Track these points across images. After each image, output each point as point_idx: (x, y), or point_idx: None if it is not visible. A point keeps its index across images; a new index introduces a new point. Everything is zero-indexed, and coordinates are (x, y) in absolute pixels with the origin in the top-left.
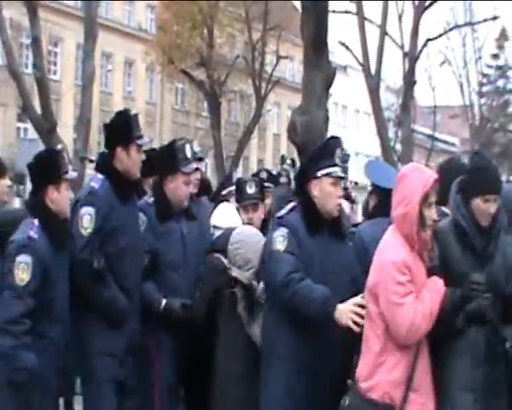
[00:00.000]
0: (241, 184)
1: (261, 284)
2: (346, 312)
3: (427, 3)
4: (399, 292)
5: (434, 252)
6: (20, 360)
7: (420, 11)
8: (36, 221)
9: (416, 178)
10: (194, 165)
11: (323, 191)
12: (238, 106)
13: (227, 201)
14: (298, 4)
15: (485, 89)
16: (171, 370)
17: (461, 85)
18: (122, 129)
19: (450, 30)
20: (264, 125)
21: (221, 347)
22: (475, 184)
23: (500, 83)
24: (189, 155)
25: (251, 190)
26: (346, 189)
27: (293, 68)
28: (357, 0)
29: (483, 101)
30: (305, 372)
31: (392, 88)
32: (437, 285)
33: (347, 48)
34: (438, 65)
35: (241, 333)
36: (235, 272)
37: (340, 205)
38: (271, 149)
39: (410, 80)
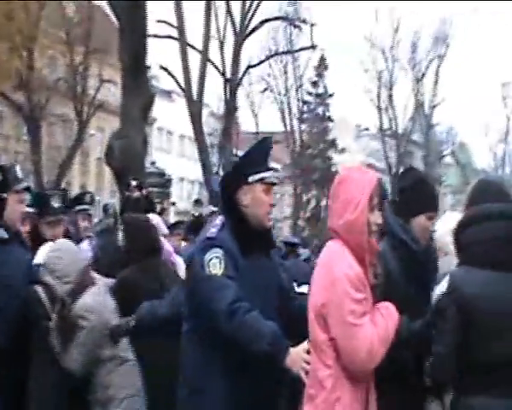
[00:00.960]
0: (45, 197)
1: (80, 302)
2: (298, 360)
3: (248, 31)
4: (356, 311)
5: (378, 268)
6: None
7: (241, 38)
8: None
9: (359, 180)
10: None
11: (255, 199)
12: (60, 130)
13: None
14: None
15: (305, 115)
16: None
17: (282, 112)
18: None
19: (271, 57)
20: (87, 149)
21: (34, 378)
22: (418, 202)
23: (320, 110)
24: (19, 174)
25: (56, 204)
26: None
27: (117, 93)
28: (179, 27)
29: (304, 127)
30: None
31: (216, 113)
32: (390, 311)
33: (169, 73)
34: (259, 92)
35: (54, 364)
36: (52, 281)
37: (270, 215)
38: (94, 173)
39: (231, 106)
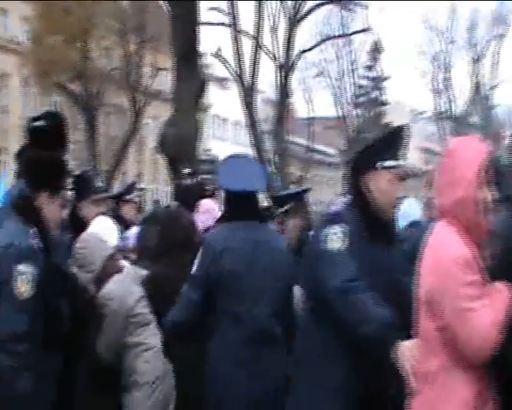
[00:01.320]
0: (87, 177)
1: (103, 290)
2: (407, 353)
3: (300, 16)
4: (470, 294)
5: (491, 248)
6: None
7: (293, 23)
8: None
9: (468, 153)
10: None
11: (380, 187)
12: (115, 120)
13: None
14: None
15: (359, 100)
16: None
17: (336, 97)
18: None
19: (324, 41)
20: (143, 138)
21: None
22: None
23: (374, 94)
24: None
25: (99, 183)
26: None
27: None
28: (231, 13)
29: (358, 112)
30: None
31: (269, 100)
32: (503, 295)
33: (221, 59)
34: (313, 77)
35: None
36: (75, 270)
37: (394, 207)
38: (149, 162)
39: (284, 92)
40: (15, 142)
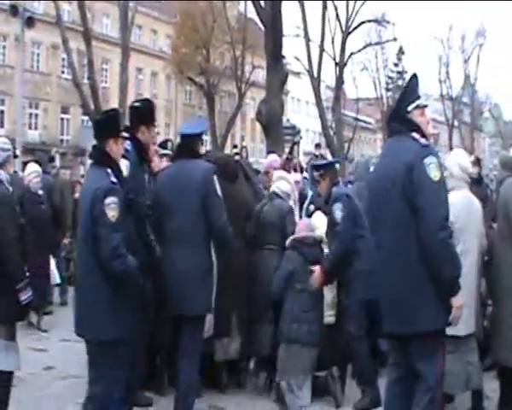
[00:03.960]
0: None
1: None
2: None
3: (351, 29)
4: None
5: None
6: (131, 265)
7: (346, 34)
8: (109, 170)
9: None
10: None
11: (418, 122)
12: (227, 101)
13: None
14: None
15: (390, 86)
16: None
17: (374, 84)
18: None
19: (366, 47)
20: (245, 113)
21: None
22: None
23: (399, 82)
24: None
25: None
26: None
27: (264, 74)
28: (304, 28)
29: (389, 94)
30: None
31: (330, 86)
32: None
33: (298, 60)
34: (359, 70)
35: None
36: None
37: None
38: (250, 129)
39: (339, 81)
40: (161, 120)
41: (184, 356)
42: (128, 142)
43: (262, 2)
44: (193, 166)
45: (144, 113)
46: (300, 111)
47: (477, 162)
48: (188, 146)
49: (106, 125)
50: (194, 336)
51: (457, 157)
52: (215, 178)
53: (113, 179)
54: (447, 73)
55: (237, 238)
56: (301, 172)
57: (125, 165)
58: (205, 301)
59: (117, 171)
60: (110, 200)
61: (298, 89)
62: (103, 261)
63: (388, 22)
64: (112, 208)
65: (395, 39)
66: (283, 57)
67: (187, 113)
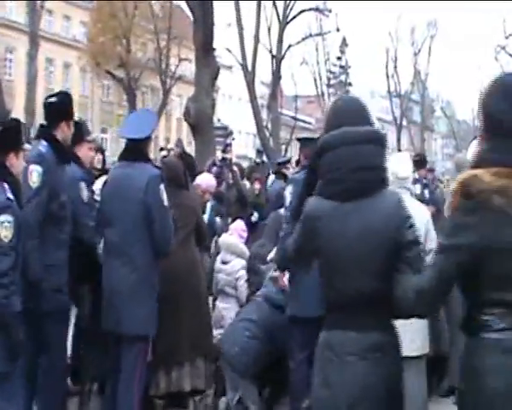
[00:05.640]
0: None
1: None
2: None
3: (289, 19)
4: None
5: None
6: (13, 305)
7: (283, 24)
8: (5, 185)
9: None
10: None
11: None
12: (149, 97)
13: None
14: None
15: (332, 82)
16: None
17: (314, 79)
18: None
19: (306, 38)
20: (170, 111)
21: None
22: None
23: (342, 78)
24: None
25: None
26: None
27: (192, 68)
28: (237, 17)
29: (331, 91)
30: None
31: (265, 82)
32: None
33: (230, 52)
34: (298, 64)
35: None
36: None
37: None
38: (175, 130)
39: (276, 76)
40: (75, 118)
41: (122, 384)
42: (43, 143)
43: None
44: (137, 172)
45: (62, 107)
46: (232, 109)
47: (421, 162)
48: (134, 150)
49: (6, 137)
50: (133, 360)
51: (393, 162)
52: (162, 186)
53: (10, 196)
54: (395, 67)
55: (182, 247)
56: (242, 173)
57: (37, 172)
58: (144, 320)
59: (14, 186)
60: (3, 218)
61: (229, 84)
62: None
63: (330, 11)
64: (5, 227)
65: (338, 30)
66: (214, 50)
67: (104, 110)
